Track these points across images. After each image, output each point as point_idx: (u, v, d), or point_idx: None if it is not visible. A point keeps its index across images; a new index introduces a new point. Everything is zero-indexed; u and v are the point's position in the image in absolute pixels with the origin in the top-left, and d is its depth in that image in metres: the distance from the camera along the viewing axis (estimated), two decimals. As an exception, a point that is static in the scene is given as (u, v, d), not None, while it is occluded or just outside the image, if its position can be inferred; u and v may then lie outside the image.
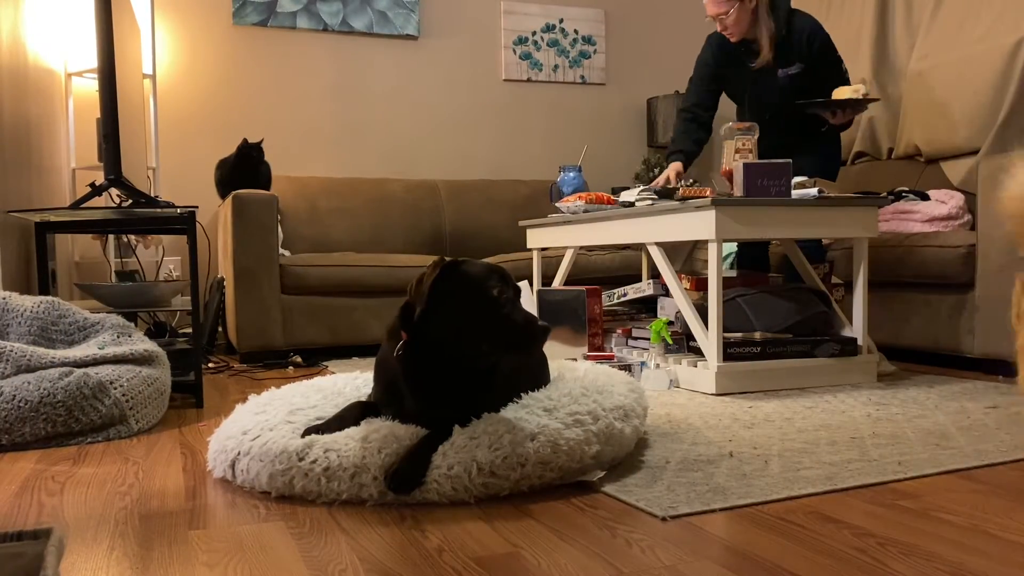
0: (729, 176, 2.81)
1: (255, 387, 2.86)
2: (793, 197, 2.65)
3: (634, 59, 5.21)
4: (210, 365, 3.42)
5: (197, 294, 2.60)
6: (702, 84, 3.34)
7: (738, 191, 2.65)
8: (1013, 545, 1.23)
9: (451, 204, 4.54)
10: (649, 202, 2.87)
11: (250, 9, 4.39)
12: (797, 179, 2.74)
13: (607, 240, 3.16)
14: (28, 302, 2.33)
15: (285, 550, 1.26)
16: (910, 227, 3.33)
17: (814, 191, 2.68)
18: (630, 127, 5.22)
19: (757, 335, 2.71)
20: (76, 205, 2.58)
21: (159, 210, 2.59)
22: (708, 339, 2.60)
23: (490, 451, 1.50)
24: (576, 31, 5.06)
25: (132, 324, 2.46)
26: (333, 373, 2.76)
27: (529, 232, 3.77)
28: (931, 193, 3.44)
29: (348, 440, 1.54)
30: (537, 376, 1.93)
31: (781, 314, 2.77)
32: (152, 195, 2.77)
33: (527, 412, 1.64)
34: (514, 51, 4.95)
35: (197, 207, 2.61)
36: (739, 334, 2.71)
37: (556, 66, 5.04)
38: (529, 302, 3.41)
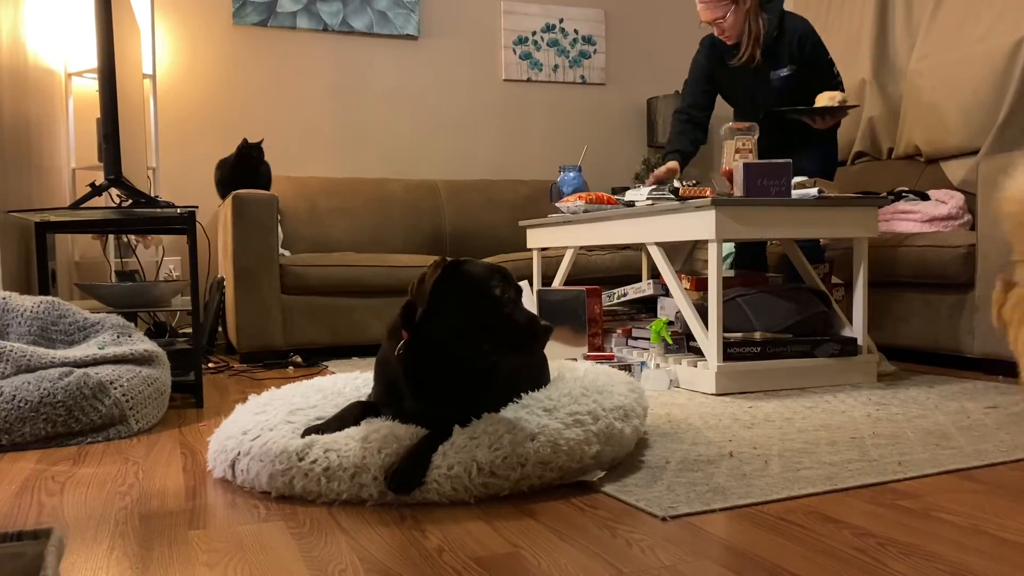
0: (729, 176, 2.81)
1: (255, 387, 2.86)
2: (793, 197, 2.65)
3: (634, 59, 5.21)
4: (210, 365, 3.42)
5: (197, 294, 2.60)
6: (696, 85, 3.37)
7: (738, 191, 2.65)
8: (1013, 545, 1.23)
9: (451, 204, 4.54)
10: (649, 202, 2.87)
11: (250, 9, 4.39)
12: (797, 179, 2.74)
13: (607, 240, 3.16)
14: (28, 302, 2.33)
15: (285, 550, 1.26)
16: (910, 227, 3.33)
17: (814, 191, 2.68)
18: (630, 127, 5.22)
19: (757, 335, 2.71)
20: (76, 205, 2.58)
21: (159, 210, 2.59)
22: (708, 339, 2.60)
23: (490, 451, 1.50)
24: (576, 31, 5.06)
25: (132, 324, 2.46)
26: (333, 373, 2.76)
27: (529, 232, 3.77)
28: (931, 193, 3.44)
29: (348, 440, 1.54)
30: (537, 376, 1.93)
31: (781, 314, 2.77)
32: (152, 195, 2.77)
33: (527, 412, 1.64)
34: (514, 51, 4.95)
35: (197, 207, 2.61)
36: (739, 334, 2.71)
37: (556, 66, 5.04)
38: (529, 302, 3.41)
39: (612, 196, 3.27)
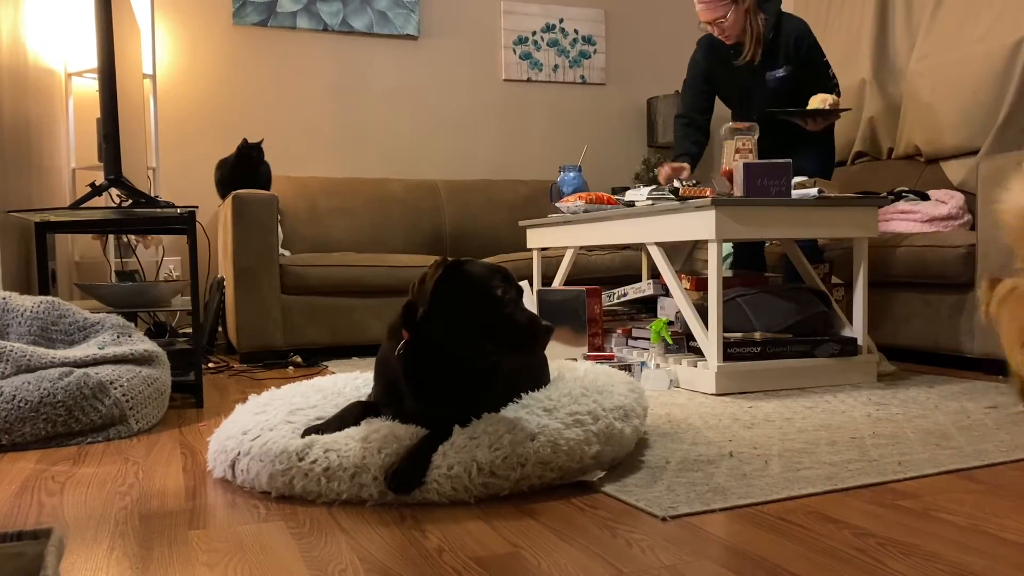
0: (729, 176, 2.81)
1: (255, 387, 2.86)
2: (793, 197, 2.65)
3: (634, 59, 5.21)
4: (210, 365, 3.42)
5: (197, 294, 2.60)
6: (695, 87, 3.37)
7: (738, 191, 2.65)
8: (1013, 545, 1.23)
9: (451, 204, 4.54)
10: (649, 202, 2.87)
11: (250, 9, 4.39)
12: (797, 179, 2.74)
13: (607, 240, 3.16)
14: (28, 302, 2.33)
15: (285, 550, 1.26)
16: (910, 227, 3.33)
17: (814, 191, 2.68)
18: (630, 127, 5.22)
19: (757, 335, 2.71)
20: (76, 205, 2.58)
21: (159, 210, 2.59)
22: (708, 339, 2.60)
23: (490, 451, 1.50)
24: (576, 31, 5.06)
25: (132, 324, 2.46)
26: (333, 373, 2.76)
27: (529, 232, 3.77)
28: (931, 193, 3.44)
29: (348, 440, 1.54)
30: (537, 376, 1.93)
31: (781, 314, 2.77)
32: (152, 195, 2.77)
33: (527, 412, 1.64)
34: (514, 51, 4.95)
35: (197, 207, 2.61)
36: (739, 334, 2.71)
37: (556, 66, 5.04)
38: (529, 302, 3.41)
39: (612, 196, 3.28)
